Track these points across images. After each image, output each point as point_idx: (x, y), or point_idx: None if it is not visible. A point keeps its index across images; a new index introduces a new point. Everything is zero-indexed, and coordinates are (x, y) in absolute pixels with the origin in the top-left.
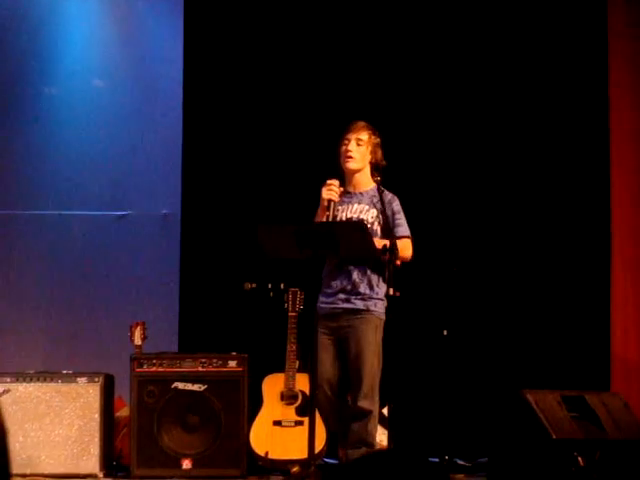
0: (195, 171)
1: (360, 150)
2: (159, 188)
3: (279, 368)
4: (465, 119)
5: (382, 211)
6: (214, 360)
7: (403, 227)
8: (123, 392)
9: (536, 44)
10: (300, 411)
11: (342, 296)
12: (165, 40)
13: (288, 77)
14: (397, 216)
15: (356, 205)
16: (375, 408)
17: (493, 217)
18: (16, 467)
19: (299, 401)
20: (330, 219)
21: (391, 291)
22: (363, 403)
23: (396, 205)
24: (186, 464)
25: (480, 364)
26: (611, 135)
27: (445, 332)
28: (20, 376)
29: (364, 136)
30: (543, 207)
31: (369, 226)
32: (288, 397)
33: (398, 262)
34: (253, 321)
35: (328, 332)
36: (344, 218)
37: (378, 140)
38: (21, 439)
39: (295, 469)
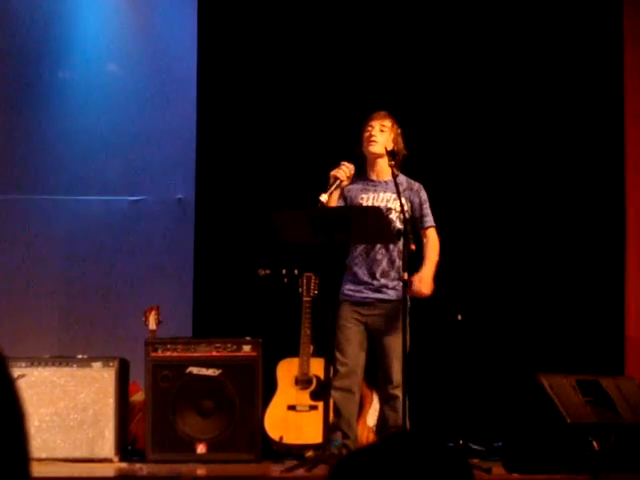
0: (209, 156)
1: (384, 136)
2: (173, 173)
3: (293, 353)
4: (477, 118)
5: (409, 199)
6: (228, 345)
7: (430, 217)
8: (138, 377)
9: (554, 41)
10: (314, 396)
11: (373, 285)
12: (180, 26)
13: (303, 63)
14: (425, 206)
15: (382, 194)
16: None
17: (508, 202)
18: (32, 451)
19: (313, 386)
20: (327, 194)
21: (405, 276)
22: (395, 391)
23: (423, 194)
24: (200, 448)
25: (495, 349)
26: (626, 130)
27: (459, 317)
28: (35, 361)
29: (387, 123)
30: (557, 192)
31: (396, 215)
32: (302, 382)
33: (413, 247)
34: (267, 306)
35: (359, 319)
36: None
37: (400, 131)
38: (36, 423)
39: (310, 453)
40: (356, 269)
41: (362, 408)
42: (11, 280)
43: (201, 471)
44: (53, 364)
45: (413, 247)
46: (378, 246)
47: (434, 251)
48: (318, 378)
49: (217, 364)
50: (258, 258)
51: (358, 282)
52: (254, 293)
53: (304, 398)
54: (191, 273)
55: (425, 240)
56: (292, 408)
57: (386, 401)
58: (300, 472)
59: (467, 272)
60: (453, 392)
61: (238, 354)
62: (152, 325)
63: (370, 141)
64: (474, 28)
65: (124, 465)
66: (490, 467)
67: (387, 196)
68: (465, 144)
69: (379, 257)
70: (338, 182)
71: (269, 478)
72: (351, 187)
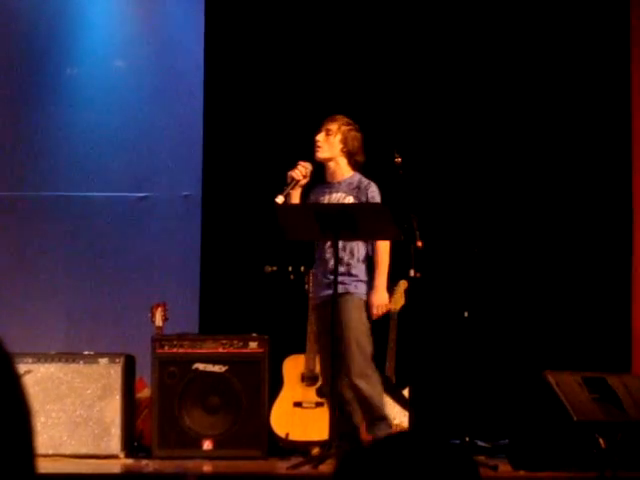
0: (216, 153)
1: (328, 140)
2: (180, 170)
3: (300, 349)
4: (489, 107)
5: (357, 197)
6: (235, 341)
7: None
8: (144, 373)
9: (562, 39)
10: (320, 392)
11: (324, 283)
12: (186, 22)
13: (309, 59)
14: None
15: (334, 194)
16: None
17: (514, 198)
18: (38, 448)
19: (319, 382)
20: (287, 194)
21: (412, 272)
22: (357, 381)
23: (371, 192)
24: (207, 445)
25: (501, 346)
26: (633, 128)
27: (466, 314)
28: (41, 357)
29: (333, 126)
30: (563, 188)
31: None
32: (309, 378)
33: (419, 243)
34: (273, 303)
35: (320, 318)
36: None
37: (352, 132)
38: (42, 420)
39: (316, 450)
40: (316, 272)
41: None
42: (17, 276)
43: (207, 467)
44: (59, 360)
45: (420, 244)
46: (327, 245)
47: (384, 255)
48: None
49: (223, 361)
50: (264, 255)
51: (317, 283)
52: (260, 290)
53: (310, 395)
54: (197, 270)
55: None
56: (298, 405)
57: (352, 391)
58: (306, 469)
59: (474, 269)
60: (459, 389)
61: (244, 351)
62: (158, 322)
63: (314, 148)
64: (480, 26)
65: (130, 461)
66: (496, 464)
67: (338, 196)
68: (472, 142)
69: (327, 256)
70: (294, 182)
71: (275, 475)
72: (315, 190)
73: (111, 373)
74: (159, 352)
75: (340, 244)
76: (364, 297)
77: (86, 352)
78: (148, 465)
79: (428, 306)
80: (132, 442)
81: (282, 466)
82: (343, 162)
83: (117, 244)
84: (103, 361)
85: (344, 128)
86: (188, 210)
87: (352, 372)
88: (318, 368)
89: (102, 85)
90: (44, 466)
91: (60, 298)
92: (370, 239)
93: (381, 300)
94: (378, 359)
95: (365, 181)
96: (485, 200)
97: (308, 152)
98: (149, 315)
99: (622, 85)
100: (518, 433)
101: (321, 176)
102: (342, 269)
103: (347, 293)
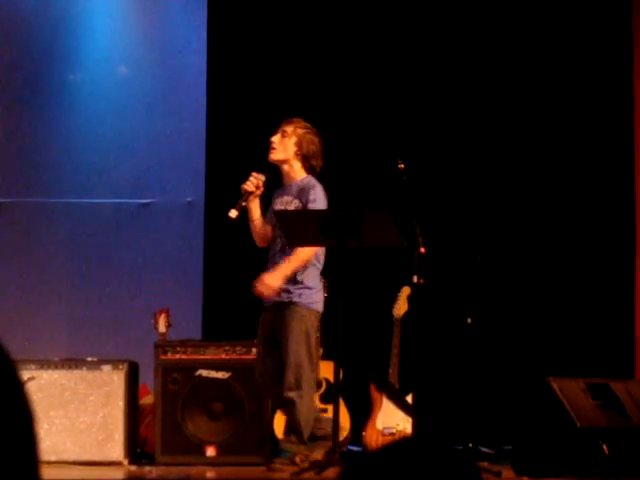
0: (219, 158)
1: (283, 142)
2: (183, 176)
3: None
4: (491, 108)
5: (300, 199)
6: (238, 347)
7: None
8: (147, 380)
9: (561, 37)
10: (324, 399)
11: None
12: (189, 28)
13: (313, 63)
14: (310, 205)
15: (285, 197)
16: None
17: (517, 205)
18: (41, 454)
19: (323, 389)
20: (242, 207)
21: (415, 279)
22: (289, 394)
23: (312, 194)
24: (210, 451)
25: (504, 352)
26: (635, 128)
27: (469, 320)
28: (45, 363)
29: (288, 128)
30: (566, 194)
31: None
32: None
33: (423, 250)
34: None
35: (264, 323)
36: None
37: (308, 136)
38: (46, 426)
39: (319, 456)
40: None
41: (372, 412)
42: (21, 283)
43: (210, 474)
44: (63, 367)
45: (423, 250)
46: (278, 248)
47: (304, 251)
48: (328, 381)
49: (227, 367)
50: (267, 260)
51: None
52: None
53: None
54: (201, 276)
55: None
56: None
57: (282, 404)
58: (310, 475)
59: (477, 275)
60: (463, 395)
61: (248, 357)
62: (162, 328)
63: (269, 149)
64: (482, 29)
65: (133, 468)
66: (500, 470)
67: (285, 199)
68: (475, 148)
69: (278, 260)
70: (247, 194)
71: None
72: (274, 193)
73: (114, 379)
74: (162, 358)
75: (288, 250)
76: (310, 306)
77: (89, 359)
78: (151, 472)
79: (431, 312)
80: (135, 448)
81: (285, 472)
82: (297, 165)
83: (120, 250)
84: (106, 368)
85: (300, 131)
86: (191, 216)
87: (285, 384)
88: (322, 374)
89: (105, 91)
90: (47, 473)
91: (63, 304)
92: (374, 245)
93: (270, 281)
94: (381, 365)
95: (311, 183)
96: (488, 206)
97: None
98: (152, 321)
99: (624, 85)
100: (521, 439)
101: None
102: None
103: (291, 303)
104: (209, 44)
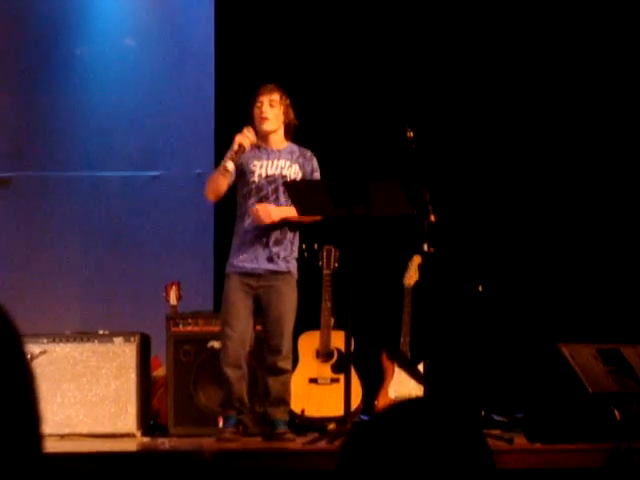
0: (228, 130)
1: (274, 111)
2: (192, 148)
3: (314, 326)
4: (499, 81)
5: (302, 166)
6: None
7: None
8: (159, 352)
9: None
10: (336, 368)
11: (264, 255)
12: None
13: (320, 34)
14: (315, 174)
15: (276, 161)
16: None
17: (528, 171)
18: (54, 427)
19: (335, 358)
20: (233, 162)
21: (425, 247)
22: (283, 363)
23: (315, 163)
24: (222, 422)
25: (516, 319)
26: None
27: (480, 288)
28: (57, 337)
29: (276, 97)
30: (577, 175)
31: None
32: (324, 354)
33: (433, 218)
34: None
35: (248, 290)
36: (264, 174)
37: (288, 101)
38: (59, 399)
39: (331, 426)
40: (249, 236)
41: (384, 381)
42: (32, 257)
43: (223, 445)
44: (75, 340)
45: (433, 218)
46: (247, 225)
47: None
48: (339, 351)
49: None
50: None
51: (250, 250)
52: None
53: (325, 371)
54: (211, 247)
55: None
56: (314, 381)
57: (273, 373)
58: (322, 444)
59: (488, 243)
60: (475, 363)
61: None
62: (173, 300)
63: (262, 118)
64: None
65: (146, 440)
66: (512, 437)
67: (281, 163)
68: (485, 115)
69: (251, 236)
70: (242, 148)
71: (291, 450)
72: (249, 154)
73: (126, 352)
74: (174, 330)
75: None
76: (296, 277)
77: (101, 331)
78: (164, 443)
79: (442, 281)
80: (148, 420)
81: (298, 442)
82: (281, 132)
83: (130, 223)
84: (118, 340)
85: (284, 99)
86: (201, 188)
87: (281, 353)
88: (333, 344)
89: (113, 64)
90: (61, 445)
91: (74, 278)
92: (383, 214)
93: (273, 212)
94: (393, 334)
95: (308, 152)
96: (499, 173)
97: (320, 133)
98: (163, 294)
99: None
100: (533, 406)
101: None
102: (285, 241)
103: (288, 272)
104: (217, 15)
